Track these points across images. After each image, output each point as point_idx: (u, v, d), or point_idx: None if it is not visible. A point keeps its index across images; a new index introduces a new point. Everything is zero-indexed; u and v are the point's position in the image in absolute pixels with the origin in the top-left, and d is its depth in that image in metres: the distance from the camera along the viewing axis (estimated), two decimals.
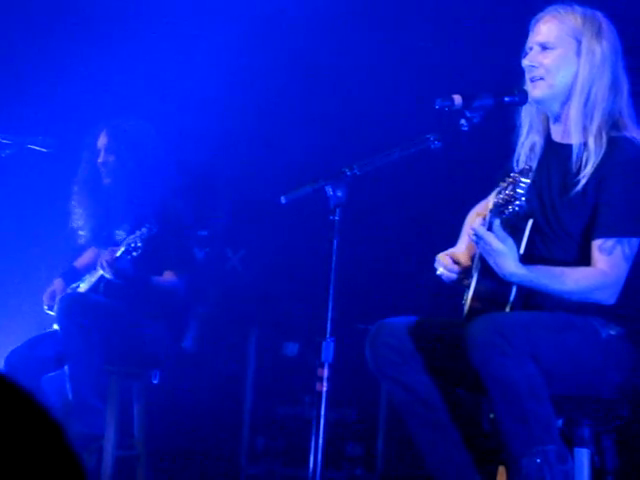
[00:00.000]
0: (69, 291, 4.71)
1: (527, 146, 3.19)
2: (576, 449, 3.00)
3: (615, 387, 3.02)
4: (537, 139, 3.19)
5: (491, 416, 2.93)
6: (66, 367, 4.35)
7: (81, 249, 4.88)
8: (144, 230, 4.37)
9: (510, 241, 2.92)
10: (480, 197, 3.38)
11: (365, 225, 5.01)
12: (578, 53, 3.08)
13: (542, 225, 3.07)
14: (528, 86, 3.12)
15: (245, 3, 5.42)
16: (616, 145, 3.03)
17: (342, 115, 5.25)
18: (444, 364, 3.08)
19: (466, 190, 3.47)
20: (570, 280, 2.96)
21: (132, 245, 4.38)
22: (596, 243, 2.99)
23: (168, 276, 4.58)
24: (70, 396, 4.32)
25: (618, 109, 3.08)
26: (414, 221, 5.15)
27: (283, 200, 2.97)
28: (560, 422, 2.98)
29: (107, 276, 4.48)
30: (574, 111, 3.07)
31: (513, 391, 2.81)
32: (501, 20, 4.71)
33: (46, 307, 4.69)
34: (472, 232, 2.95)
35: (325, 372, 2.89)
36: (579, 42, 3.08)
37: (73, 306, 4.37)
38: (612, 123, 3.07)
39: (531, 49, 3.13)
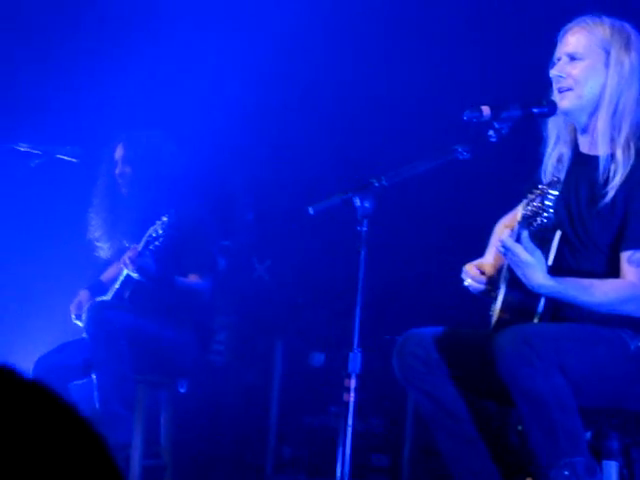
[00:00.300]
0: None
1: (554, 158, 3.18)
2: (604, 462, 2.98)
3: None
4: (564, 150, 3.18)
5: (519, 428, 2.93)
6: (94, 375, 4.37)
7: (107, 264, 4.89)
8: (164, 219, 4.39)
9: (538, 253, 2.91)
10: (508, 208, 3.38)
11: (392, 236, 5.01)
12: (607, 64, 3.07)
13: (570, 237, 3.06)
14: (556, 97, 3.11)
15: (270, 10, 5.44)
16: None
17: (370, 125, 5.26)
18: (471, 375, 3.08)
19: (494, 201, 3.47)
20: (599, 292, 2.95)
21: (153, 235, 4.41)
22: (625, 255, 2.98)
23: (192, 278, 4.61)
24: (97, 404, 4.33)
25: None
26: (441, 232, 5.14)
27: (311, 211, 2.98)
28: (589, 435, 2.97)
29: (131, 274, 4.50)
30: (602, 122, 3.06)
31: (541, 403, 2.80)
32: (528, 31, 4.70)
33: (74, 317, 4.72)
34: (500, 244, 2.95)
35: (352, 383, 2.89)
36: (608, 53, 3.07)
37: (101, 313, 4.39)
38: None
39: (559, 60, 3.12)
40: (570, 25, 3.15)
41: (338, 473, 2.89)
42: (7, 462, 0.92)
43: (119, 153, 4.75)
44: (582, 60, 3.08)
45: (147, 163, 4.68)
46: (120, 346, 4.34)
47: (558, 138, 3.19)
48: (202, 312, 4.70)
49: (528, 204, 2.88)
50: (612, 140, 3.06)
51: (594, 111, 3.09)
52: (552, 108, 3.09)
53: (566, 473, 2.80)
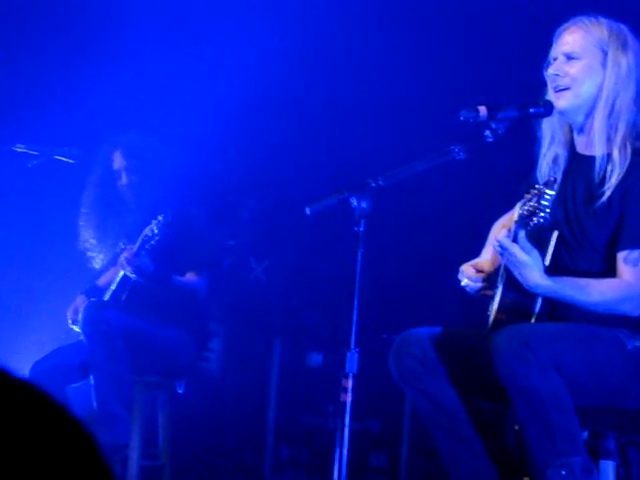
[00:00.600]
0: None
1: (549, 158, 3.18)
2: (601, 461, 2.98)
3: None
4: (560, 151, 3.18)
5: (516, 428, 2.93)
6: (91, 376, 4.37)
7: (102, 271, 4.87)
8: (160, 218, 4.40)
9: (535, 252, 2.91)
10: (505, 209, 3.38)
11: (389, 236, 5.01)
12: (604, 64, 3.07)
13: (567, 236, 3.07)
14: (551, 96, 3.10)
15: (267, 11, 5.44)
16: None
17: (367, 126, 5.26)
18: (468, 375, 3.08)
19: (491, 202, 3.47)
20: (595, 291, 2.95)
21: (149, 235, 4.41)
22: (621, 255, 2.98)
23: (189, 276, 4.62)
24: (95, 405, 4.33)
25: None
26: (438, 232, 5.15)
27: (308, 211, 2.98)
28: (585, 434, 2.97)
29: (128, 275, 4.50)
30: (598, 122, 3.06)
31: (538, 402, 2.80)
32: (526, 31, 4.70)
33: (70, 322, 4.70)
34: (497, 244, 2.95)
35: (349, 383, 2.89)
36: (605, 53, 3.07)
37: (97, 313, 4.38)
38: (636, 134, 3.06)
39: (555, 59, 3.12)
40: (566, 25, 3.14)
41: (336, 473, 2.89)
42: None
43: (120, 163, 4.73)
44: (579, 59, 3.08)
45: (151, 169, 4.68)
46: (117, 346, 4.33)
47: (553, 138, 3.18)
48: (199, 311, 4.70)
49: (525, 204, 2.88)
50: (609, 140, 3.06)
51: (591, 111, 3.09)
52: (548, 108, 3.09)
53: (563, 472, 2.80)
